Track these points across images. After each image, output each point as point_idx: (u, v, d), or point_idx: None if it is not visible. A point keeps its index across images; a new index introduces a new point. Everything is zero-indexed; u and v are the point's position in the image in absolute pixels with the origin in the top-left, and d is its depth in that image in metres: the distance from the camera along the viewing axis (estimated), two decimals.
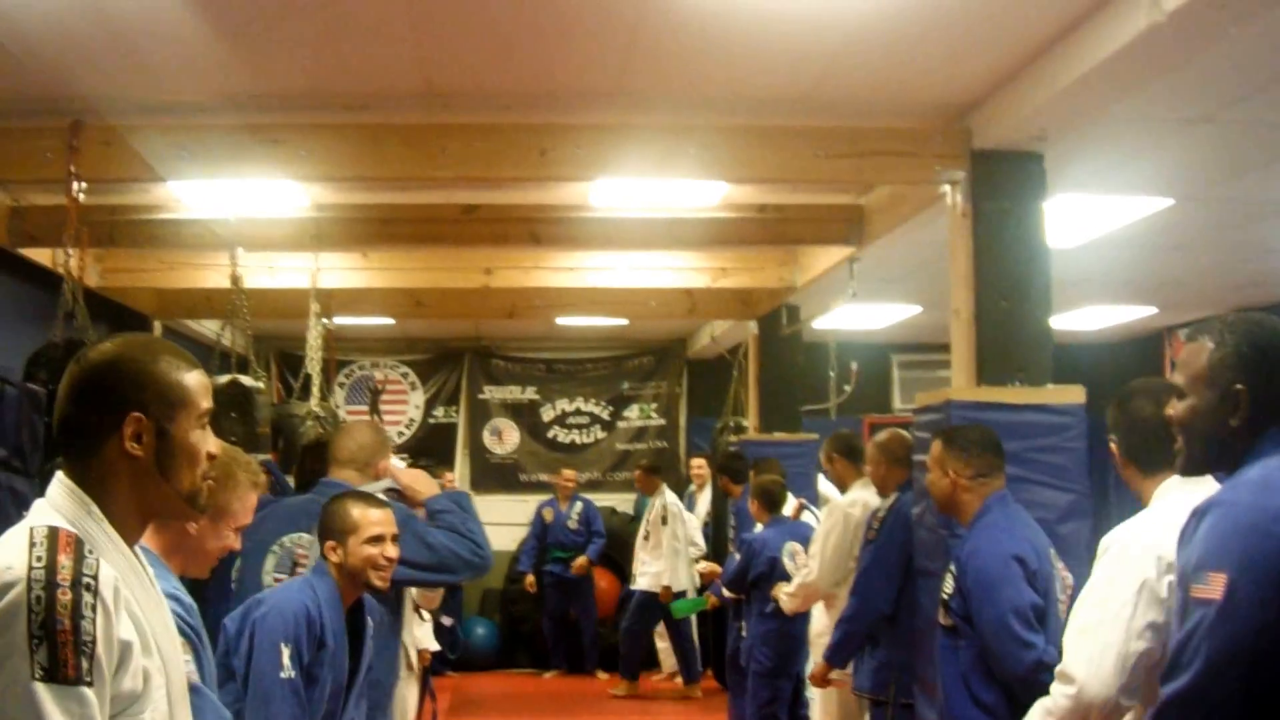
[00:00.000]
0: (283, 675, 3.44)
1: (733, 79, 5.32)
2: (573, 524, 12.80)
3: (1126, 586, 3.15)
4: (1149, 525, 3.23)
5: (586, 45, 5.00)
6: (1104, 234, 7.56)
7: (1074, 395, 5.37)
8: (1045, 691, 4.20)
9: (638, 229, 7.76)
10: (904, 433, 6.20)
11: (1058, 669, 3.35)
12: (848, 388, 10.77)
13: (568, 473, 13.16)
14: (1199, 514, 2.48)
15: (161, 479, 2.25)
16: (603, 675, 12.70)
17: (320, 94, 5.48)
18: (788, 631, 7.55)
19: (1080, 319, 11.21)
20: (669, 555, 11.56)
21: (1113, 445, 3.47)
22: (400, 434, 13.93)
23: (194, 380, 2.31)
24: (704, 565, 10.23)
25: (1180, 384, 2.72)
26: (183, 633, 2.94)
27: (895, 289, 9.76)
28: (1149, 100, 5.16)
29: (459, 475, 13.73)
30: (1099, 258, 8.35)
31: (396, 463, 5.19)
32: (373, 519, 4.00)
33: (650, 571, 11.72)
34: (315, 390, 8.78)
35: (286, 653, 3.57)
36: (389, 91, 5.47)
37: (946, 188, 5.81)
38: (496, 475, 14.17)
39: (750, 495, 7.92)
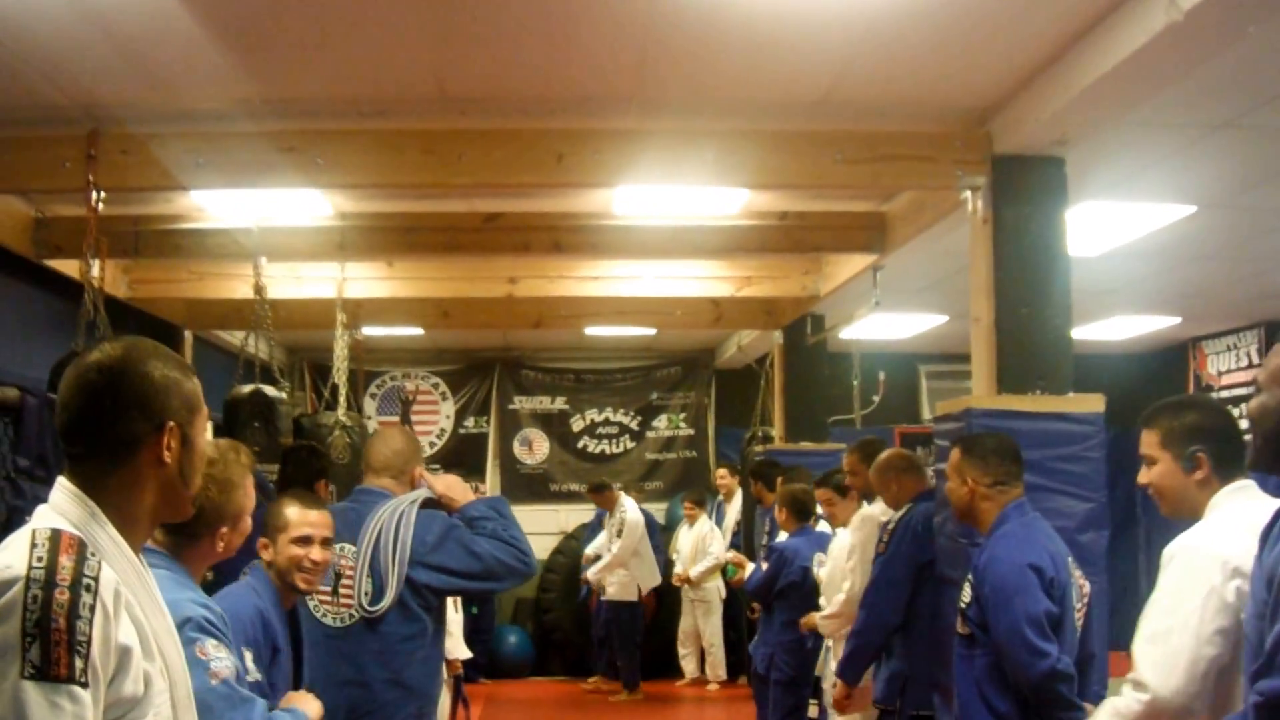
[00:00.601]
0: (249, 679, 3.39)
1: (749, 83, 5.28)
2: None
3: (1194, 593, 3.15)
4: (1213, 532, 3.23)
5: (602, 50, 4.98)
6: (1126, 243, 7.50)
7: (1094, 404, 5.32)
8: (1058, 700, 4.16)
9: (660, 237, 7.73)
10: (900, 449, 6.40)
11: (1130, 675, 3.31)
12: (876, 398, 10.73)
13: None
14: None
15: (182, 483, 2.30)
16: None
17: (336, 100, 5.49)
18: (811, 638, 7.49)
19: (1103, 329, 11.14)
20: (636, 563, 12.11)
21: (1200, 455, 3.42)
22: (431, 444, 13.98)
23: (199, 386, 2.37)
24: (730, 553, 10.08)
25: (1260, 381, 2.73)
26: (215, 636, 2.98)
27: (921, 298, 9.72)
28: (1171, 104, 5.11)
29: (490, 485, 13.72)
30: (1121, 267, 8.29)
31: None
32: (300, 519, 3.96)
33: (616, 581, 12.03)
34: (342, 400, 8.81)
35: (249, 656, 3.52)
36: (405, 97, 5.47)
37: (967, 193, 5.75)
38: (527, 485, 14.19)
39: (778, 503, 7.85)
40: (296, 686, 3.89)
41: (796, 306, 9.82)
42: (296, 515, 3.96)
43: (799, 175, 5.88)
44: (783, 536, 7.86)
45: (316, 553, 3.94)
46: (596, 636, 12.61)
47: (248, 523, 3.25)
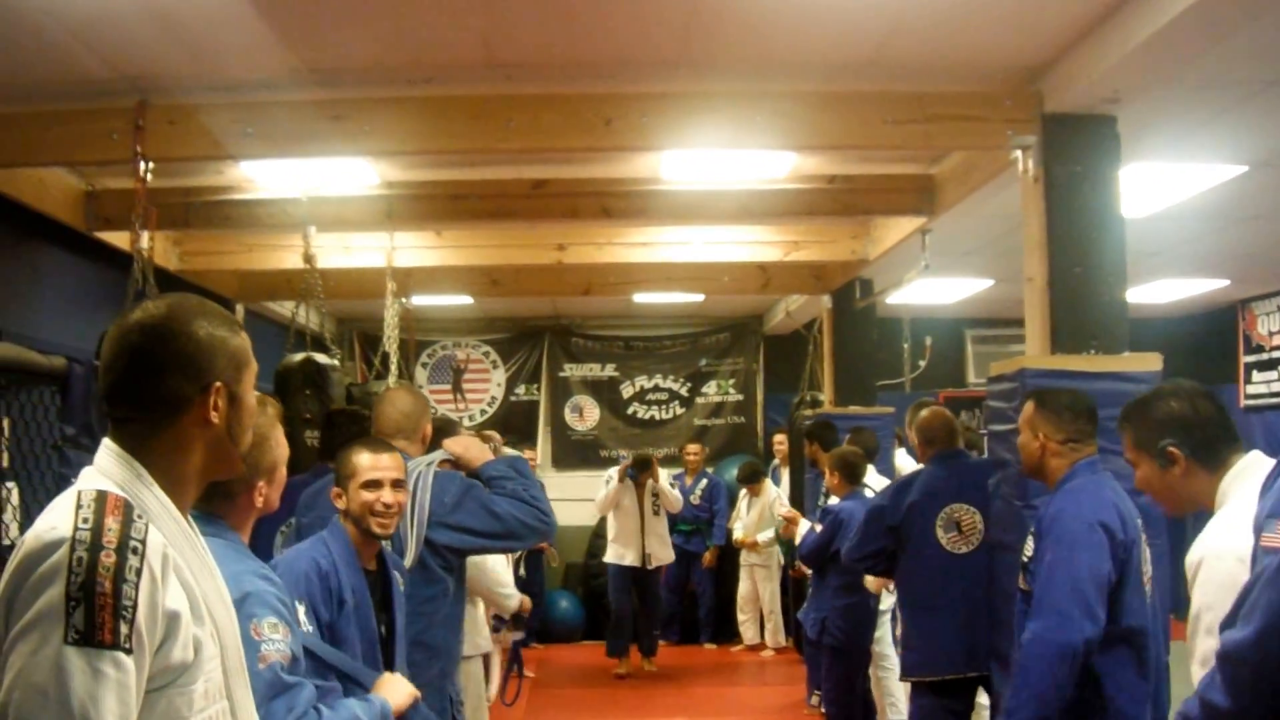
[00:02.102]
0: (301, 630, 3.38)
1: (797, 44, 5.24)
2: (695, 499, 12.86)
3: (1229, 603, 3.05)
4: (1229, 529, 3.07)
5: (649, 13, 4.95)
6: (1176, 204, 7.42)
7: (1151, 363, 5.26)
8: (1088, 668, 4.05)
9: (708, 202, 7.70)
10: (941, 409, 6.35)
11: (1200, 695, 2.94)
12: (922, 363, 10.69)
13: (692, 447, 13.23)
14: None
15: (230, 442, 2.25)
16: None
17: (383, 68, 5.49)
18: (864, 604, 7.47)
19: (1152, 292, 11.03)
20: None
21: (1172, 450, 3.34)
22: (483, 412, 14.10)
23: (247, 340, 2.32)
24: (786, 509, 9.63)
25: None
26: (274, 613, 2.95)
27: (968, 262, 9.65)
28: (1225, 61, 5.03)
29: (541, 452, 13.85)
30: (1171, 228, 8.20)
31: None
32: (370, 463, 3.98)
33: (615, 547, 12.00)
34: (394, 368, 8.85)
35: (301, 610, 3.52)
36: (452, 63, 5.46)
37: (1018, 153, 5.70)
38: (578, 452, 14.27)
39: (829, 466, 7.79)
40: (385, 643, 3.92)
41: (845, 271, 9.80)
42: (366, 460, 3.99)
43: (848, 136, 5.84)
44: (831, 500, 7.82)
45: (388, 495, 3.96)
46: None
47: (283, 473, 3.21)
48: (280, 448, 3.18)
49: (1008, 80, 5.62)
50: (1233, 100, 5.69)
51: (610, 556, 11.91)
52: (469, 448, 4.74)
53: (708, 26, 5.05)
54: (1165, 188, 7.11)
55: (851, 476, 7.55)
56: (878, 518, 6.02)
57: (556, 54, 5.40)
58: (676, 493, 11.97)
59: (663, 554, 11.93)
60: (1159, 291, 11.06)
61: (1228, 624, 2.37)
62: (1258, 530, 2.39)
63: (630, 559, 11.72)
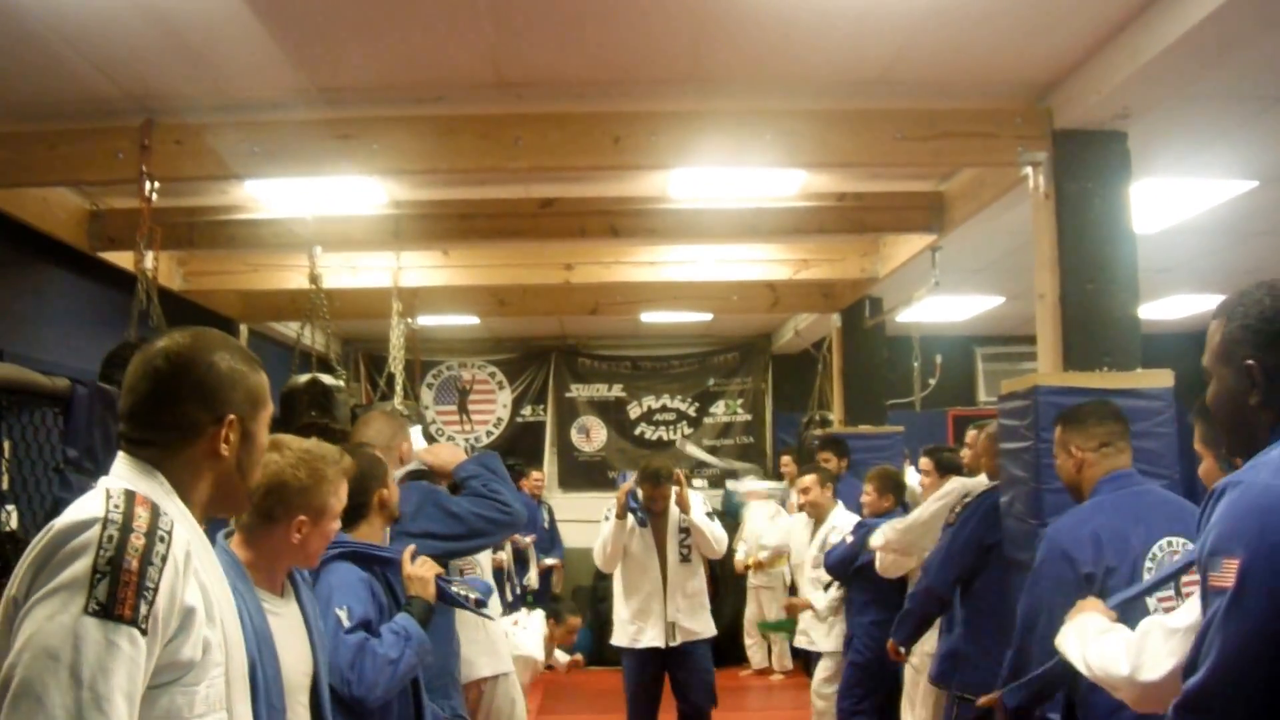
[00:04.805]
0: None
1: (807, 61, 5.23)
2: None
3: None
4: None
5: (658, 31, 4.94)
6: (1185, 219, 7.41)
7: (1163, 379, 5.23)
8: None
9: (716, 220, 7.68)
10: None
11: None
12: (932, 381, 10.64)
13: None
14: (1216, 495, 2.31)
15: (239, 477, 2.30)
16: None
17: (391, 87, 5.48)
18: (889, 622, 7.29)
19: (1163, 308, 10.99)
20: None
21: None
22: (489, 433, 14.06)
23: (265, 380, 2.37)
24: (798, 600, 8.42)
25: (1206, 366, 2.56)
26: None
27: (978, 279, 9.63)
28: (1234, 77, 5.03)
29: (547, 473, 13.76)
30: (1180, 244, 8.19)
31: (419, 442, 5.20)
32: None
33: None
34: (399, 389, 8.81)
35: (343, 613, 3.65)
36: (461, 82, 5.46)
37: (1028, 169, 5.68)
38: (584, 473, 14.21)
39: (872, 482, 7.51)
40: None
41: (854, 289, 9.77)
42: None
43: (859, 154, 5.82)
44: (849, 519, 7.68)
45: None
46: None
47: (331, 528, 3.20)
48: (334, 499, 3.19)
49: (1018, 97, 5.61)
50: (1242, 116, 5.68)
51: (619, 636, 7.73)
52: (439, 453, 4.81)
53: (716, 44, 5.03)
54: (1176, 203, 7.10)
55: (894, 492, 7.42)
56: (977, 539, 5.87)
57: (565, 73, 5.39)
58: (718, 526, 7.59)
59: (697, 624, 7.62)
60: (1171, 308, 11.01)
61: (1186, 673, 2.27)
62: (1203, 569, 2.28)
63: (649, 637, 7.55)
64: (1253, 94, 5.40)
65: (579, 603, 13.53)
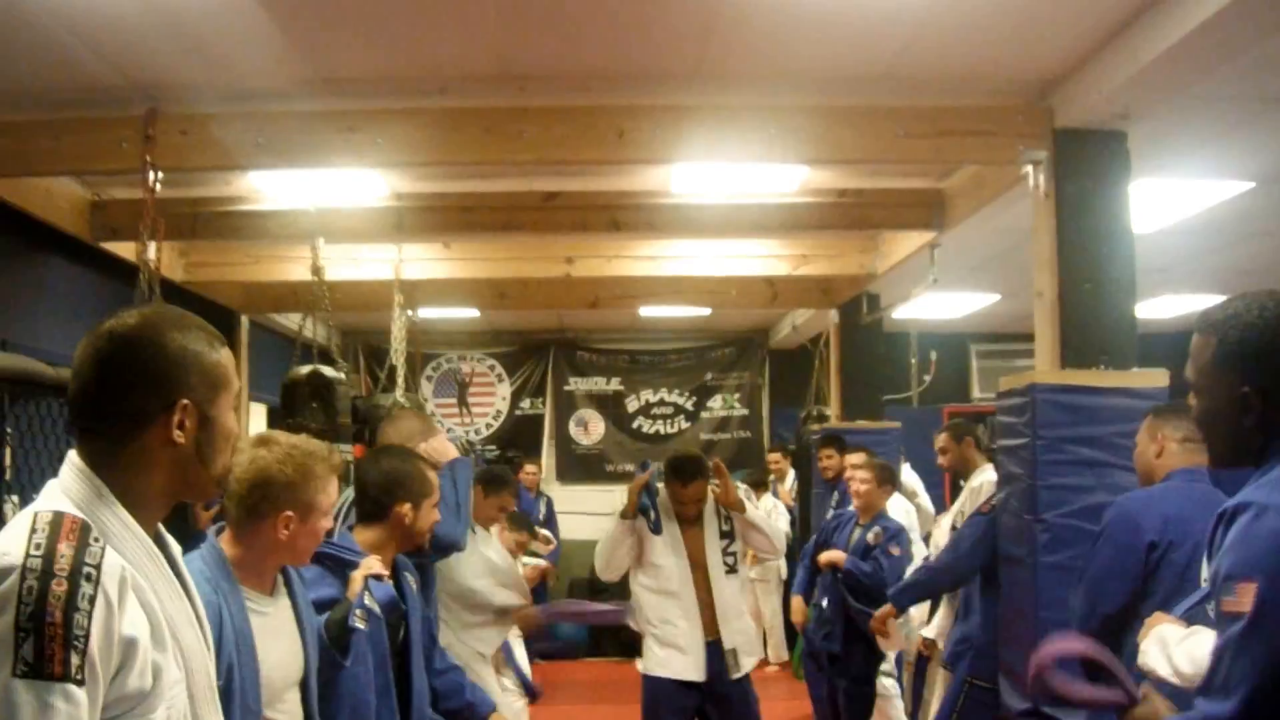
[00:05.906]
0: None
1: (811, 58, 5.25)
2: None
3: None
4: None
5: (663, 25, 4.96)
6: (1182, 219, 7.43)
7: (1158, 379, 5.24)
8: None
9: (718, 215, 7.71)
10: None
11: None
12: (927, 377, 10.67)
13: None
14: (1226, 518, 2.31)
15: (199, 464, 2.11)
16: None
17: (396, 79, 5.49)
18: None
19: (1160, 307, 10.98)
20: None
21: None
22: (488, 425, 14.10)
23: (229, 359, 2.20)
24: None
25: (1191, 380, 2.55)
26: None
27: (974, 277, 9.65)
28: (1234, 77, 5.04)
29: (545, 466, 13.81)
30: (1177, 244, 8.19)
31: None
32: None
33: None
34: (400, 381, 8.83)
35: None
36: (465, 75, 5.47)
37: (1028, 168, 5.71)
38: (582, 466, 14.27)
39: (870, 470, 7.21)
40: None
41: (853, 285, 9.79)
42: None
43: (861, 150, 5.84)
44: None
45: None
46: None
47: (320, 525, 3.13)
48: (323, 495, 3.12)
49: (1019, 95, 5.63)
50: (1241, 116, 5.70)
51: (650, 664, 6.14)
52: (431, 454, 4.72)
53: (722, 40, 5.05)
54: (1174, 203, 7.11)
55: (891, 481, 7.31)
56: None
57: (570, 66, 5.41)
58: (779, 520, 6.87)
59: (753, 644, 6.34)
60: (1167, 307, 11.02)
61: (1203, 692, 2.27)
62: (1215, 593, 2.29)
63: (686, 668, 6.01)
64: (1251, 95, 5.41)
65: (576, 595, 13.57)
